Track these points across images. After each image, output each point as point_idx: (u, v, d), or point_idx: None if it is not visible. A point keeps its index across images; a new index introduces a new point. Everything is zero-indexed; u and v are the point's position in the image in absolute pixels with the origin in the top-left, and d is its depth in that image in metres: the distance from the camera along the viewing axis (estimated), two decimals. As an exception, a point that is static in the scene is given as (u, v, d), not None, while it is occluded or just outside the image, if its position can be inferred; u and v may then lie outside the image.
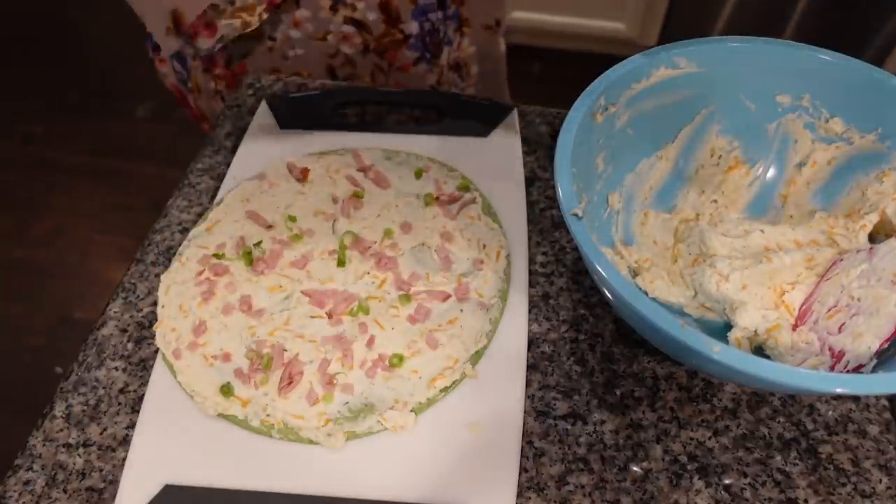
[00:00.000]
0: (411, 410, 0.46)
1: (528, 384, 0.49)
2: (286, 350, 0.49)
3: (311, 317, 0.51)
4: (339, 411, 0.46)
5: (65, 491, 0.44)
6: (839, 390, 0.33)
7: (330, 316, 0.51)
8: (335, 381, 0.47)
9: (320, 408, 0.46)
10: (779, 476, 0.45)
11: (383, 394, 0.47)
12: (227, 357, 0.49)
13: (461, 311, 0.51)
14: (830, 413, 0.47)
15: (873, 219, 0.50)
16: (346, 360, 0.48)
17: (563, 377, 0.49)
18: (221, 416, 0.46)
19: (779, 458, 0.45)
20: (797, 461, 0.45)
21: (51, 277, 1.63)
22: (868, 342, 0.41)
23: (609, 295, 0.41)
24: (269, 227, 0.57)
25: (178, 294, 0.52)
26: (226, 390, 0.47)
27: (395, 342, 0.49)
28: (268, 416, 0.46)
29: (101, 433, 0.47)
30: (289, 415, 0.46)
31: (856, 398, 0.48)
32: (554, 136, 0.65)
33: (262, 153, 0.63)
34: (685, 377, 0.49)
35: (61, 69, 2.14)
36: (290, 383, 0.47)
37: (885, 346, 0.41)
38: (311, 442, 0.45)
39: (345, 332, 0.50)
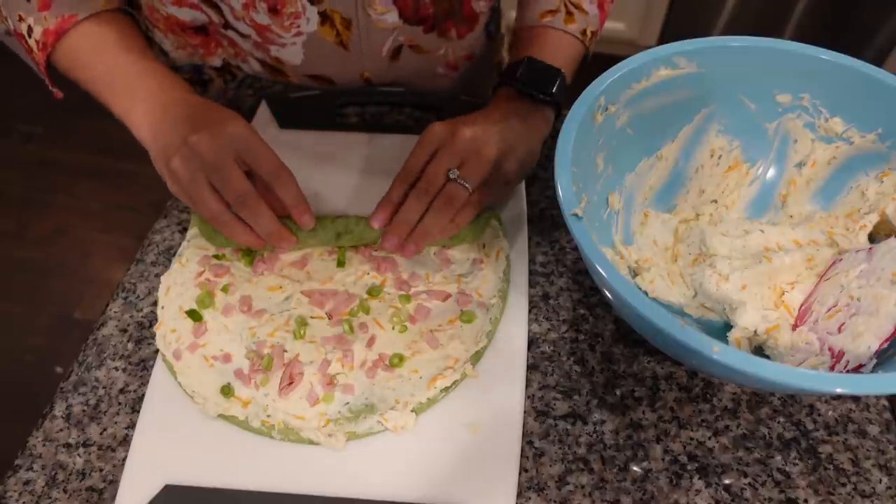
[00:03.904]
0: (412, 410, 0.46)
1: (528, 384, 0.49)
2: (286, 351, 0.49)
3: (312, 317, 0.51)
4: (339, 412, 0.46)
5: (65, 491, 0.44)
6: (839, 390, 0.33)
7: (330, 316, 0.51)
8: (335, 382, 0.47)
9: (321, 408, 0.46)
10: (779, 476, 0.45)
11: (384, 394, 0.47)
12: (227, 358, 0.49)
13: (461, 311, 0.51)
14: (830, 413, 0.47)
15: (873, 219, 0.50)
16: (346, 360, 0.48)
17: (563, 377, 0.49)
18: (222, 416, 0.46)
19: (779, 458, 0.45)
20: (797, 461, 0.45)
21: (51, 277, 1.63)
22: (868, 342, 0.41)
23: (609, 295, 0.41)
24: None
25: (178, 295, 0.52)
26: (226, 391, 0.47)
27: (395, 342, 0.49)
28: (268, 416, 0.46)
29: (101, 433, 0.47)
30: (289, 415, 0.46)
31: (856, 398, 0.48)
32: (554, 136, 0.65)
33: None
34: (685, 377, 0.49)
35: (61, 69, 2.13)
36: (290, 384, 0.47)
37: (885, 345, 0.41)
38: (311, 442, 0.45)
39: (344, 332, 0.50)
